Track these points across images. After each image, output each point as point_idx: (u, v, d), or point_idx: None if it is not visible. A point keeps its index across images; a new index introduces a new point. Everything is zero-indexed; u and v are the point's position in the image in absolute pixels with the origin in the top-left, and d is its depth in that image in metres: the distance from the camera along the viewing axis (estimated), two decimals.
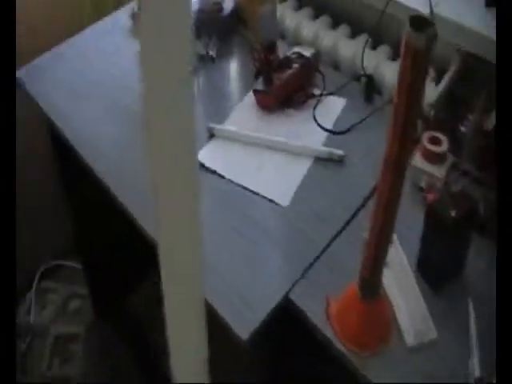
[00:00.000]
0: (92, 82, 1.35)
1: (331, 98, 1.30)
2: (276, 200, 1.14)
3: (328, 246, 1.07)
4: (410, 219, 1.06)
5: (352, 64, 1.34)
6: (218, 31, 1.45)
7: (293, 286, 1.02)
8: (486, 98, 1.18)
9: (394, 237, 1.07)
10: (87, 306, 1.85)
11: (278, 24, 1.44)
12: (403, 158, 0.78)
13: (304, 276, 1.03)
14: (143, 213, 1.10)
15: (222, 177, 1.18)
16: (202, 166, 1.18)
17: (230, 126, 1.26)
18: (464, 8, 1.19)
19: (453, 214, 0.96)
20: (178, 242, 0.44)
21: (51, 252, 1.90)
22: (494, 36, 1.13)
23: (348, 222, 1.10)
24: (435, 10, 1.17)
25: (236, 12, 1.47)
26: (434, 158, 1.13)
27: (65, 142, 1.26)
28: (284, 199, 1.14)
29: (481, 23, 1.18)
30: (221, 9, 1.46)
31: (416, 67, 0.69)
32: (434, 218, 0.99)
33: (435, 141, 1.14)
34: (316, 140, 1.22)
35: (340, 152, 1.18)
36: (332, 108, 1.28)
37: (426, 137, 1.14)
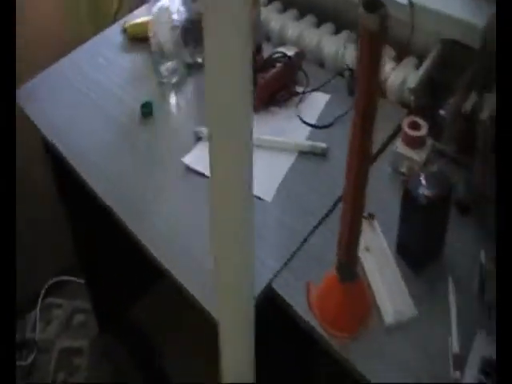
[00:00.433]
0: (86, 94, 1.44)
1: (315, 94, 1.36)
2: (260, 196, 1.19)
3: (310, 236, 1.12)
4: (391, 204, 1.10)
5: (335, 60, 1.40)
6: None
7: (275, 276, 1.08)
8: (465, 82, 1.22)
9: (375, 222, 1.12)
10: (91, 320, 1.91)
11: (263, 27, 1.51)
12: (366, 138, 0.83)
13: (286, 266, 1.08)
14: (137, 224, 1.17)
15: (208, 177, 1.24)
16: (189, 169, 1.26)
17: None
18: None
19: (428, 194, 1.01)
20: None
21: (54, 269, 1.98)
22: (474, 21, 1.18)
23: (330, 213, 1.15)
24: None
25: None
26: (413, 143, 1.17)
27: (60, 157, 1.34)
28: (268, 194, 1.20)
29: (461, 10, 1.23)
30: None
31: (372, 47, 0.73)
32: (409, 200, 1.03)
33: (415, 126, 1.19)
34: (300, 135, 1.28)
35: (323, 145, 1.24)
36: (316, 104, 1.34)
37: (405, 122, 1.19)
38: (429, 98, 1.25)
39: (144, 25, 1.50)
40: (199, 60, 1.48)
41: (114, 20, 1.70)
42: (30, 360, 1.85)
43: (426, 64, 1.26)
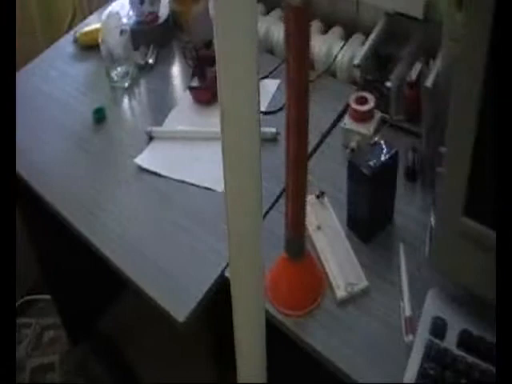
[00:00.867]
0: (38, 107, 1.48)
1: (265, 81, 1.39)
2: (211, 187, 1.23)
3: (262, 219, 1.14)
4: (343, 181, 1.12)
5: (283, 45, 1.43)
6: (156, 39, 1.57)
7: (228, 263, 1.10)
8: (409, 52, 1.25)
9: (325, 200, 1.15)
10: (61, 335, 1.94)
11: (212, 21, 1.55)
12: (302, 111, 0.86)
13: None
14: (90, 227, 1.20)
15: (162, 176, 1.28)
16: (142, 169, 1.29)
17: (168, 126, 1.37)
18: None
19: (372, 164, 1.04)
20: None
21: (20, 290, 2.00)
22: None
23: (281, 196, 1.18)
24: None
25: (171, 18, 1.59)
26: (361, 117, 1.20)
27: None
28: (219, 185, 1.22)
29: None
30: (156, 17, 1.59)
31: (297, 23, 0.77)
32: (354, 172, 1.05)
33: (363, 100, 1.22)
34: None
35: (273, 130, 1.27)
36: (266, 90, 1.37)
37: (353, 98, 1.22)
38: (375, 71, 1.27)
39: (95, 32, 1.54)
40: (150, 61, 1.52)
41: (68, 30, 1.75)
42: None
43: (371, 39, 1.29)
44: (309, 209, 1.10)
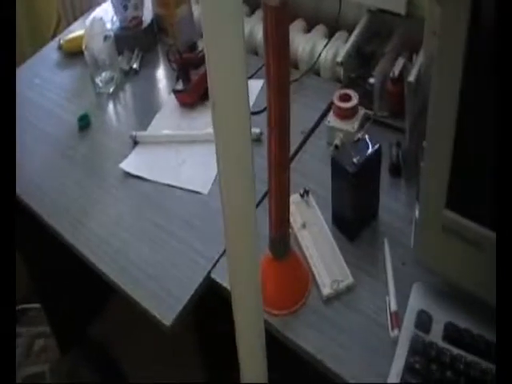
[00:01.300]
0: (23, 115, 1.50)
1: (249, 81, 1.41)
2: (197, 189, 1.24)
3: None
4: (326, 179, 1.14)
5: None
6: (140, 44, 1.59)
7: (214, 265, 1.12)
8: (392, 48, 1.28)
9: (310, 198, 1.17)
10: (52, 343, 1.95)
11: (196, 23, 1.57)
12: (282, 113, 0.88)
13: (225, 254, 1.13)
14: (76, 234, 1.21)
15: (148, 180, 1.30)
16: (128, 174, 1.31)
17: (152, 130, 1.40)
18: None
19: (355, 161, 1.05)
20: None
21: None
22: None
23: (265, 196, 1.19)
24: None
25: (155, 21, 1.61)
26: (345, 115, 1.22)
27: None
28: (204, 187, 1.25)
29: None
30: (140, 22, 1.61)
31: (276, 23, 0.79)
32: (337, 169, 1.07)
33: (346, 98, 1.24)
34: None
35: (257, 130, 1.29)
36: (251, 91, 1.39)
37: (336, 95, 1.24)
38: (359, 68, 1.30)
39: (79, 39, 1.56)
40: (135, 66, 1.55)
41: (53, 37, 1.77)
42: None
43: (354, 36, 1.31)
44: (293, 207, 1.12)
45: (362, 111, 1.21)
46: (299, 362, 1.00)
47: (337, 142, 1.20)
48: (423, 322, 0.94)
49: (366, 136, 1.07)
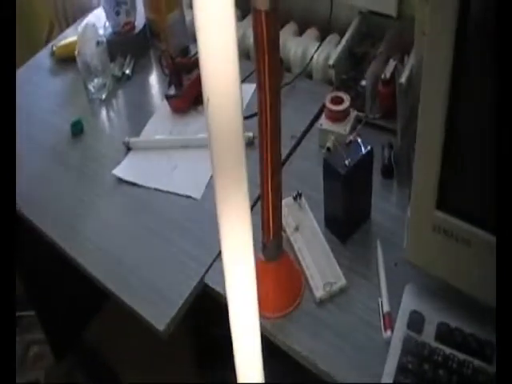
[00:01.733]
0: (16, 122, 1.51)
1: (242, 85, 1.43)
2: (190, 194, 1.26)
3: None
4: (319, 181, 1.16)
5: None
6: (133, 49, 1.61)
7: (207, 270, 1.14)
8: (383, 50, 1.30)
9: (303, 201, 1.19)
10: (46, 350, 1.97)
11: (188, 28, 1.59)
12: (273, 116, 0.90)
13: (218, 258, 1.15)
14: (70, 242, 1.22)
15: (141, 186, 1.31)
16: (121, 180, 1.33)
17: (145, 136, 1.41)
18: None
19: (346, 163, 1.07)
20: None
21: None
22: None
23: (258, 200, 1.21)
24: None
25: (148, 27, 1.63)
26: (337, 117, 1.23)
27: None
28: (197, 192, 1.26)
29: None
30: (132, 27, 1.63)
31: (266, 28, 0.81)
32: (329, 171, 1.09)
33: (338, 100, 1.25)
34: None
35: (249, 134, 1.31)
36: (243, 95, 1.41)
37: (328, 98, 1.26)
38: (350, 71, 1.31)
39: (71, 45, 1.58)
40: (127, 71, 1.57)
41: (45, 44, 1.79)
42: None
43: (345, 39, 1.33)
44: (286, 210, 1.14)
45: (353, 113, 1.23)
46: (293, 364, 1.02)
47: (329, 144, 1.21)
48: (416, 322, 0.95)
49: (358, 138, 1.09)
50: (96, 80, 1.51)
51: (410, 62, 1.17)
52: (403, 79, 1.14)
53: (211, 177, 1.24)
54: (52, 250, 1.25)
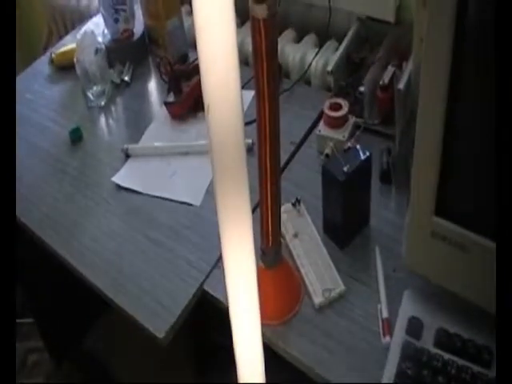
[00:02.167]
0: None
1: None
2: (189, 201, 1.27)
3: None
4: (318, 188, 1.17)
5: None
6: (131, 56, 1.62)
7: (207, 277, 1.14)
8: (381, 55, 1.31)
9: (302, 207, 1.20)
10: (45, 357, 1.98)
11: (187, 35, 1.60)
12: (272, 123, 0.91)
13: (217, 265, 1.15)
14: (70, 249, 1.23)
15: (140, 193, 1.32)
16: (120, 187, 1.34)
17: (144, 142, 1.42)
18: None
19: (345, 169, 1.08)
20: None
21: None
22: None
23: (257, 207, 1.22)
24: None
25: (146, 34, 1.64)
26: (335, 123, 1.24)
27: None
28: (196, 199, 1.27)
29: None
30: (131, 34, 1.64)
31: (265, 35, 0.81)
32: (328, 178, 1.10)
33: (336, 107, 1.27)
34: None
35: (248, 141, 1.31)
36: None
37: (326, 104, 1.27)
38: (349, 77, 1.32)
39: (70, 52, 1.59)
40: (126, 78, 1.58)
41: (44, 51, 1.81)
42: None
43: (343, 45, 1.34)
44: (285, 216, 1.15)
45: (352, 119, 1.24)
46: (292, 370, 1.02)
47: (327, 150, 1.22)
48: (414, 328, 0.96)
49: (357, 144, 1.10)
50: (95, 87, 1.53)
51: (409, 67, 1.18)
52: (401, 85, 1.15)
53: (210, 183, 1.26)
54: (51, 258, 1.26)
